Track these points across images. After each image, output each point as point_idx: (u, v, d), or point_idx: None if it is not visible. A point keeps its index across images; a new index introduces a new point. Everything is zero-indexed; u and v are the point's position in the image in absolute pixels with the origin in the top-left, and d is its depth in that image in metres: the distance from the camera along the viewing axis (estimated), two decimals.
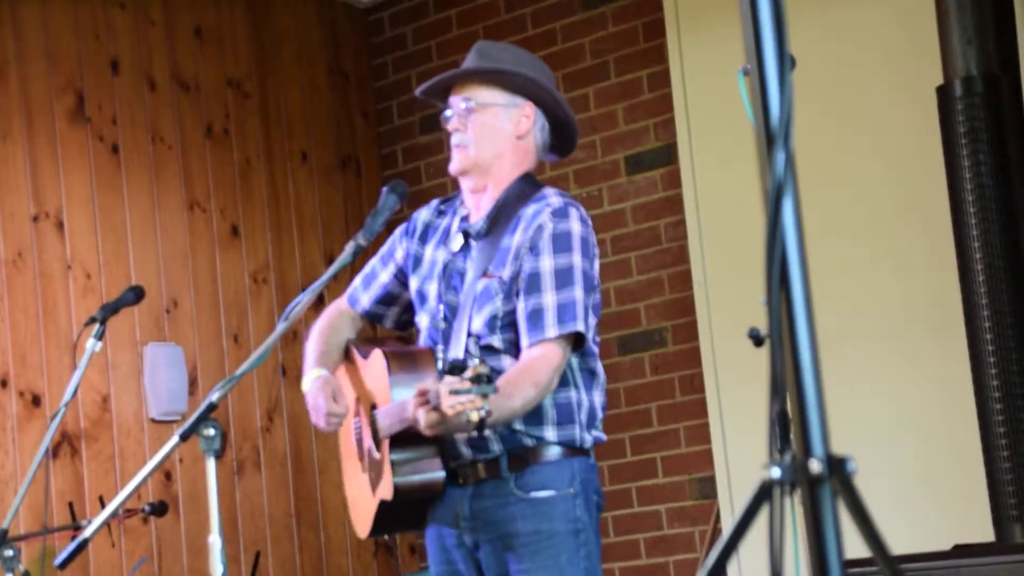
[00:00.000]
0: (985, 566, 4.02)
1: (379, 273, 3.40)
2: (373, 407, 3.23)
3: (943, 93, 4.59)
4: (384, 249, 3.42)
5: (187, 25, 5.64)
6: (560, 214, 3.12)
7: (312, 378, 3.26)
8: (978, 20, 4.57)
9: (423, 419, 2.85)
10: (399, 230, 3.38)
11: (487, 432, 3.07)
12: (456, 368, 2.74)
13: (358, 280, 3.45)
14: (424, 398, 2.84)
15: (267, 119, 5.87)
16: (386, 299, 3.40)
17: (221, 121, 5.69)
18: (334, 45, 6.23)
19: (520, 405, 2.97)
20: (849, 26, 5.20)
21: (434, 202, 3.37)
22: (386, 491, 3.13)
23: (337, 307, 3.46)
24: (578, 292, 3.07)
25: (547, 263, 3.09)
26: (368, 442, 3.25)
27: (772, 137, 1.56)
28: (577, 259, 3.09)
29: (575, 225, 3.12)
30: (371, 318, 3.43)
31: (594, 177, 5.76)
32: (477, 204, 3.24)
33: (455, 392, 2.72)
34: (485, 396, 2.71)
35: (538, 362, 3.01)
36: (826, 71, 5.12)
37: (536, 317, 3.05)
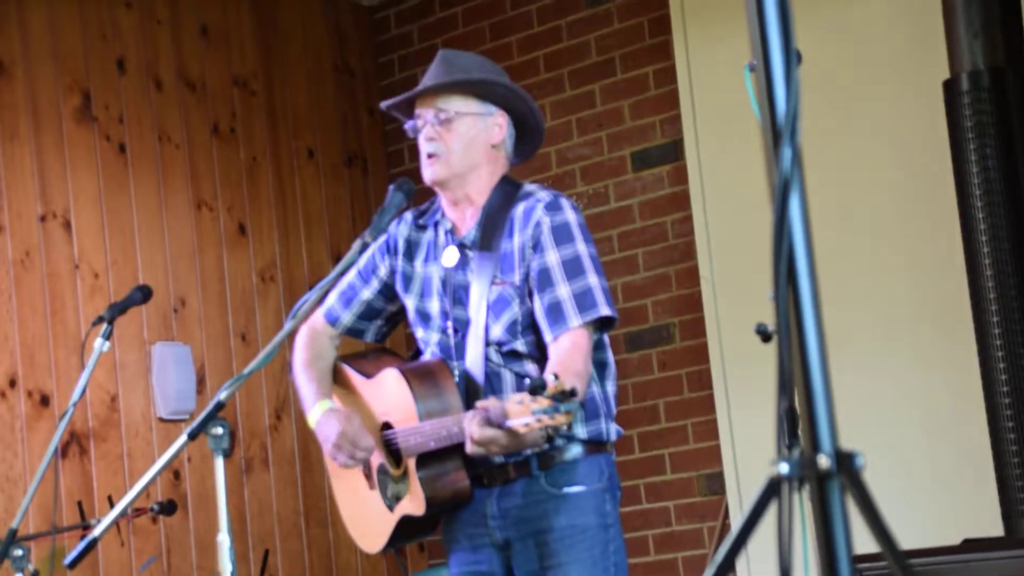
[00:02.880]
0: (994, 560, 4.02)
1: (360, 290, 3.37)
2: (386, 425, 3.22)
3: (949, 87, 4.59)
4: (361, 265, 3.38)
5: (193, 24, 5.64)
6: (553, 207, 3.14)
7: (323, 411, 3.23)
8: (984, 14, 4.56)
9: (496, 443, 2.81)
10: (377, 248, 3.34)
11: (498, 455, 3.07)
12: (537, 388, 2.70)
13: (334, 298, 3.41)
14: (485, 416, 2.81)
15: (273, 117, 5.87)
16: (369, 314, 3.38)
17: (227, 120, 5.69)
18: (340, 43, 6.23)
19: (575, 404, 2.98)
20: (855, 21, 5.19)
21: (409, 216, 3.33)
22: (416, 507, 3.12)
23: (313, 328, 3.41)
24: (592, 278, 3.09)
25: (553, 257, 3.10)
26: (379, 459, 3.24)
27: (779, 132, 1.56)
28: (582, 247, 3.11)
29: (570, 214, 3.14)
30: (351, 334, 3.42)
31: (600, 173, 5.76)
32: (462, 216, 3.23)
33: (541, 412, 2.68)
34: (571, 414, 2.69)
35: (571, 353, 3.02)
36: (832, 66, 5.11)
37: (555, 311, 3.06)
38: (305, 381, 3.33)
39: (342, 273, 2.95)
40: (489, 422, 2.80)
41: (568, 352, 3.02)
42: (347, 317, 3.39)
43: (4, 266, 4.87)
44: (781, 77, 1.58)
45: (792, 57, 1.58)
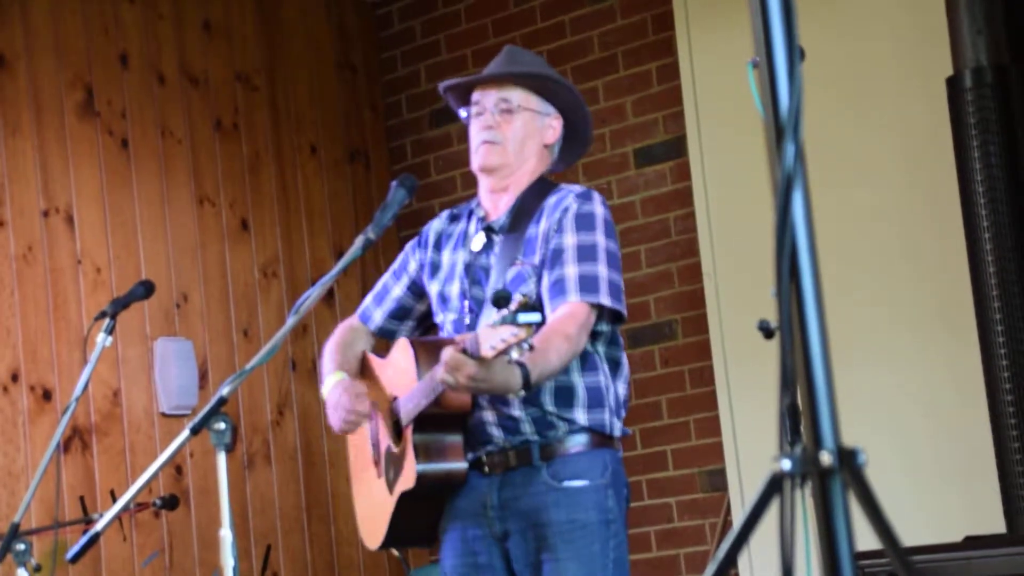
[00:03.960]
0: (996, 558, 4.02)
1: (391, 288, 3.41)
2: (394, 399, 3.23)
3: (953, 84, 4.58)
4: (396, 265, 3.44)
5: (196, 19, 5.64)
6: (584, 197, 3.17)
7: (333, 382, 3.26)
8: (988, 10, 4.56)
9: (463, 370, 2.81)
10: (410, 244, 3.40)
11: (518, 413, 3.07)
12: (501, 299, 2.68)
13: (369, 298, 3.46)
14: (459, 347, 2.82)
15: (276, 113, 5.87)
16: (399, 313, 3.40)
17: (230, 115, 5.69)
18: (343, 39, 6.23)
19: (556, 359, 2.97)
20: (858, 17, 5.19)
21: (444, 213, 3.40)
22: (408, 480, 3.11)
23: (349, 325, 3.46)
24: (601, 268, 3.10)
25: (570, 240, 3.12)
26: (387, 441, 3.24)
27: (781, 129, 1.56)
28: (601, 238, 3.13)
29: (598, 208, 3.16)
30: (384, 334, 3.43)
31: (603, 170, 5.76)
32: (495, 204, 3.26)
33: (500, 323, 2.67)
34: (531, 327, 2.67)
35: (565, 319, 3.02)
36: (835, 63, 5.11)
37: (558, 285, 3.08)
38: (328, 359, 3.37)
39: (344, 269, 2.96)
40: (464, 352, 2.80)
41: (562, 318, 3.02)
42: (378, 315, 3.42)
43: (6, 261, 4.87)
44: (784, 73, 1.58)
45: (795, 53, 1.58)
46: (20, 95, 5.01)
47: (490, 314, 2.87)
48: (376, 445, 3.29)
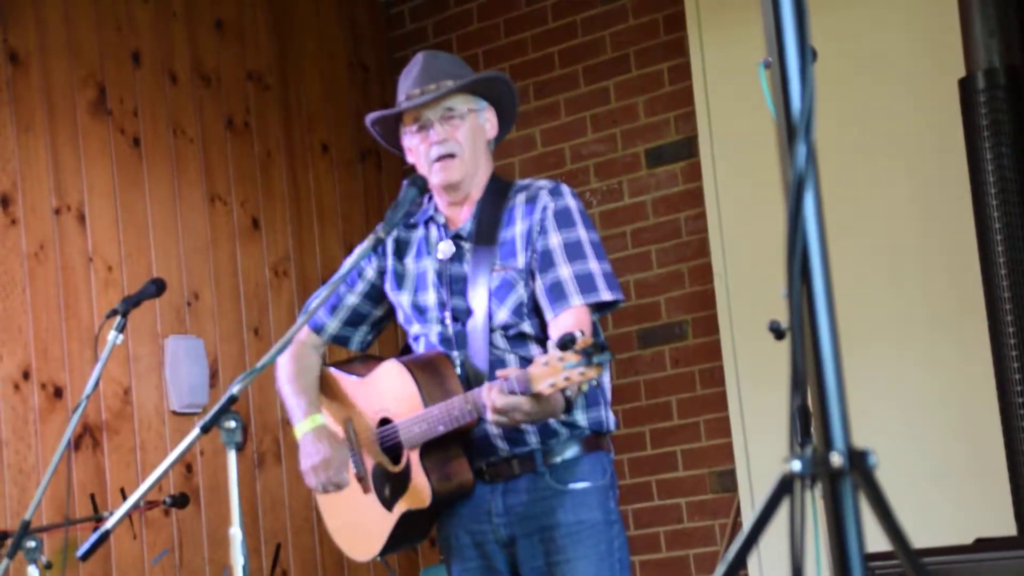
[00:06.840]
0: (1007, 560, 4.01)
1: (345, 296, 3.36)
2: (383, 421, 3.22)
3: (965, 85, 4.58)
4: (345, 271, 3.40)
5: (208, 18, 5.65)
6: (555, 193, 3.17)
7: (314, 425, 3.25)
8: (1001, 12, 4.55)
9: (520, 409, 2.82)
10: (359, 252, 3.36)
11: (522, 424, 3.08)
12: (568, 342, 2.70)
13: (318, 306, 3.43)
14: (506, 385, 2.82)
15: (288, 112, 5.88)
16: (354, 320, 3.37)
17: (242, 114, 5.69)
18: (354, 38, 6.23)
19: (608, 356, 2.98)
20: (871, 18, 5.18)
21: None
22: (421, 500, 3.12)
23: (297, 339, 3.37)
24: (592, 264, 3.11)
25: (555, 239, 3.12)
26: (375, 459, 3.23)
27: (793, 130, 1.56)
28: (582, 232, 3.14)
29: (571, 201, 3.17)
30: (337, 341, 3.41)
31: (614, 170, 5.76)
32: (457, 211, 3.24)
33: (572, 366, 2.69)
34: (600, 366, 2.70)
35: (576, 327, 3.02)
36: (847, 63, 5.10)
37: (556, 290, 3.08)
38: (292, 393, 3.33)
39: (352, 268, 2.96)
40: (511, 391, 2.81)
41: (573, 326, 3.02)
42: (332, 324, 3.38)
43: (18, 259, 4.88)
44: (796, 74, 1.57)
45: (807, 54, 1.58)
46: (33, 93, 5.02)
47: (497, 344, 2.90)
48: (358, 462, 3.28)
